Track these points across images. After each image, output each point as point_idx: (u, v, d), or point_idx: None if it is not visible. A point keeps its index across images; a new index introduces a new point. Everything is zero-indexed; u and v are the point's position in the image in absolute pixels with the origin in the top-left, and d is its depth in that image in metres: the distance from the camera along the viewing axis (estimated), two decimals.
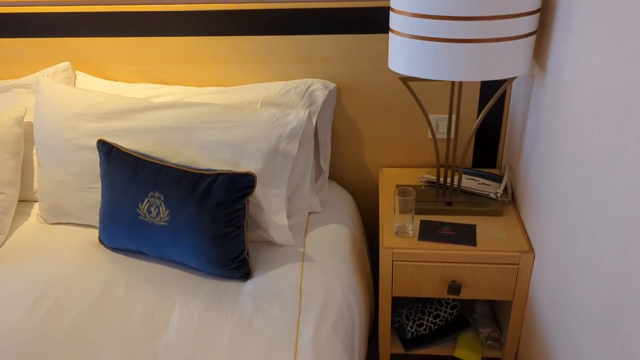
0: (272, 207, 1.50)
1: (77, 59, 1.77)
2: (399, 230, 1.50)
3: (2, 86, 1.72)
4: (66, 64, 1.75)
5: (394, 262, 1.47)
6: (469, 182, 1.67)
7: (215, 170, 1.40)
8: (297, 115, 1.51)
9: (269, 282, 1.40)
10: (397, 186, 1.54)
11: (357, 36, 1.69)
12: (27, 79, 1.72)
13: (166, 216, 1.37)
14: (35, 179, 1.70)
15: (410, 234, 1.50)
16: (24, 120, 1.64)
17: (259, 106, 1.63)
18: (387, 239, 1.49)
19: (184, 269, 1.44)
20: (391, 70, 1.38)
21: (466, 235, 1.49)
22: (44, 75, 1.68)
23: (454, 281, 1.48)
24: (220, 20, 1.69)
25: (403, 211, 1.47)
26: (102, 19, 1.71)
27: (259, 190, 1.44)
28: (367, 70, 1.74)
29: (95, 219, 1.57)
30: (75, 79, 1.77)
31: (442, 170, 1.65)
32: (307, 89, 1.68)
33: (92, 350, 1.20)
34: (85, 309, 1.30)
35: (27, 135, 1.66)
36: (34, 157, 1.69)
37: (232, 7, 1.66)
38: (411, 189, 1.48)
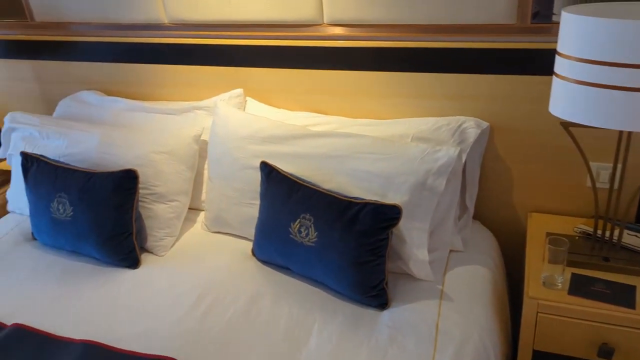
0: (414, 240, 1.52)
1: (249, 86, 1.98)
2: (546, 280, 1.43)
3: (186, 107, 1.97)
4: (239, 90, 1.96)
5: (539, 314, 1.40)
6: (631, 239, 1.53)
7: (363, 199, 1.46)
8: (448, 152, 1.53)
9: (406, 315, 1.41)
10: (548, 234, 1.48)
11: (515, 77, 1.66)
12: (206, 102, 1.96)
13: (314, 237, 1.47)
14: (203, 190, 1.91)
15: (559, 287, 1.42)
16: (200, 138, 1.86)
17: (409, 140, 1.68)
18: (532, 288, 1.43)
19: (325, 289, 1.52)
20: (549, 113, 1.34)
21: (623, 296, 1.37)
22: (220, 100, 1.90)
23: (605, 344, 1.36)
24: (380, 57, 1.77)
25: (553, 261, 1.40)
26: (272, 52, 1.89)
27: (402, 223, 1.47)
28: (523, 111, 1.70)
29: (250, 232, 1.72)
30: (245, 104, 1.97)
31: (600, 222, 1.54)
32: (459, 126, 1.69)
33: (240, 353, 1.32)
34: (236, 313, 1.44)
35: (201, 151, 1.88)
36: (205, 171, 1.91)
37: (393, 44, 1.74)
38: (564, 238, 1.40)
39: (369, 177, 1.55)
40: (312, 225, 1.47)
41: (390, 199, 1.50)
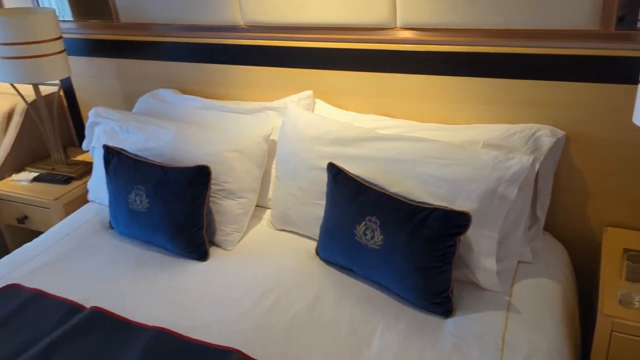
0: (482, 249, 1.50)
1: (318, 88, 2.00)
2: (623, 299, 1.36)
3: (257, 107, 2.02)
4: (309, 92, 1.99)
5: (613, 333, 1.34)
6: None
7: (431, 204, 1.45)
8: (521, 160, 1.49)
9: (471, 325, 1.39)
10: (626, 250, 1.41)
11: (595, 85, 1.60)
12: (276, 102, 2.00)
13: (380, 240, 1.47)
14: (270, 189, 1.96)
15: (637, 305, 1.35)
16: (270, 138, 1.90)
17: (480, 147, 1.64)
18: (607, 305, 1.37)
19: (389, 293, 1.52)
20: (632, 123, 1.28)
21: None
22: (290, 101, 1.93)
23: None
24: (453, 61, 1.75)
25: (631, 279, 1.33)
26: (342, 55, 1.91)
27: (471, 231, 1.44)
28: (603, 121, 1.63)
29: (314, 231, 1.75)
30: (314, 105, 1.99)
31: None
32: (533, 134, 1.64)
33: (303, 350, 1.34)
34: (300, 311, 1.46)
35: (270, 151, 1.92)
36: (272, 170, 1.95)
37: (466, 49, 1.72)
38: None
39: (438, 183, 1.53)
40: (378, 228, 1.48)
41: (459, 205, 1.48)
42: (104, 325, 1.44)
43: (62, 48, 2.15)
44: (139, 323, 1.45)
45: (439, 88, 1.81)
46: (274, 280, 1.59)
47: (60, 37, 2.14)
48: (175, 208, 1.71)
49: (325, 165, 1.68)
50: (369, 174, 1.62)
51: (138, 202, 1.75)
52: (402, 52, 1.81)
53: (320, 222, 1.70)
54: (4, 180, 2.36)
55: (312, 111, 1.98)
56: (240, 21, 2.03)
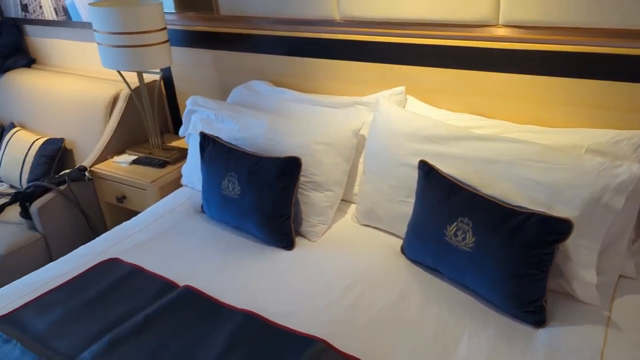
0: (581, 259, 1.42)
1: (410, 84, 1.98)
2: None
3: (348, 102, 2.03)
4: (401, 88, 1.97)
5: None
6: None
7: (528, 209, 1.39)
8: (630, 169, 1.39)
9: (566, 337, 1.32)
10: None
11: None
12: (368, 97, 2.00)
13: (471, 243, 1.43)
14: (356, 183, 1.96)
15: None
16: (359, 133, 1.90)
17: (584, 152, 1.56)
18: None
19: (477, 298, 1.48)
20: None
21: None
22: (382, 97, 1.92)
23: None
24: (553, 61, 1.67)
25: None
26: (437, 52, 1.87)
27: (570, 239, 1.37)
28: None
29: (400, 229, 1.73)
30: (406, 102, 1.97)
31: None
32: None
33: (387, 348, 1.33)
34: (385, 307, 1.46)
35: (358, 145, 1.93)
36: (360, 165, 1.95)
37: (573, 49, 1.63)
38: None
39: (535, 187, 1.47)
40: (470, 229, 1.44)
41: (558, 211, 1.41)
42: (196, 304, 1.51)
43: (166, 38, 2.27)
44: (228, 305, 1.50)
45: (540, 89, 1.73)
46: (358, 275, 1.59)
47: (164, 28, 2.25)
48: (266, 196, 1.75)
49: (415, 162, 1.66)
50: (461, 174, 1.58)
51: (230, 188, 1.81)
52: (502, 50, 1.75)
53: (407, 219, 1.68)
54: (106, 161, 2.53)
55: (404, 107, 1.96)
56: (336, 15, 2.04)
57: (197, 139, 2.11)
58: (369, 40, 2.00)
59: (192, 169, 2.19)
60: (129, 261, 1.74)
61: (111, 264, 1.73)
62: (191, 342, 1.37)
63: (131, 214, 2.34)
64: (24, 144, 2.68)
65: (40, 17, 3.06)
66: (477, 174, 1.57)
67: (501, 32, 1.74)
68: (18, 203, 2.33)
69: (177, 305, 1.51)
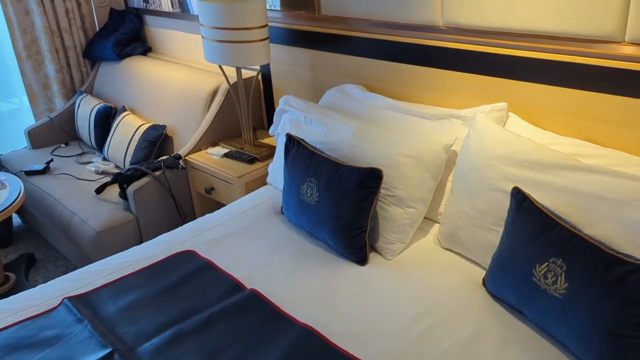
0: None
1: (513, 101, 1.81)
2: None
3: (442, 113, 1.90)
4: (503, 104, 1.80)
5: None
6: None
7: (637, 259, 1.19)
8: None
9: None
10: None
11: None
12: (465, 111, 1.85)
13: (563, 289, 1.26)
14: (442, 202, 1.83)
15: None
16: (451, 149, 1.77)
17: None
18: None
19: (563, 350, 1.30)
20: None
21: None
22: (480, 112, 1.77)
23: None
24: None
25: None
26: (543, 66, 1.69)
27: None
28: None
29: (484, 259, 1.59)
30: (507, 120, 1.81)
31: None
32: None
33: None
34: (456, 344, 1.33)
35: (448, 162, 1.80)
36: (448, 183, 1.82)
37: None
38: None
39: None
40: (563, 273, 1.27)
41: None
42: (259, 310, 1.49)
43: (267, 36, 2.28)
44: (290, 316, 1.46)
45: None
46: (433, 303, 1.48)
47: (266, 25, 2.26)
48: (343, 206, 1.68)
49: (509, 188, 1.50)
50: (560, 208, 1.40)
51: (309, 193, 1.77)
52: (626, 70, 1.53)
53: (492, 249, 1.54)
54: (200, 151, 2.60)
55: (503, 126, 1.79)
56: (440, 21, 1.92)
57: (284, 139, 2.10)
58: (473, 50, 1.86)
59: (277, 169, 2.18)
60: (204, 255, 1.76)
61: (187, 256, 1.77)
62: (248, 349, 1.35)
63: (218, 205, 2.39)
64: (130, 128, 2.84)
65: (158, 9, 3.23)
66: (579, 210, 1.38)
67: (627, 50, 1.52)
68: (118, 184, 2.48)
69: (240, 308, 1.49)
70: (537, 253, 1.33)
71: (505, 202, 1.52)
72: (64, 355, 1.35)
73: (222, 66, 2.44)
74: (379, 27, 2.11)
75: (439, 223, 1.83)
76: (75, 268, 2.72)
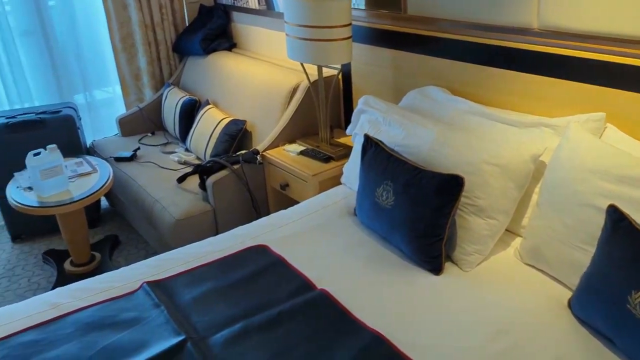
0: None
1: (612, 111, 1.67)
2: None
3: (531, 121, 1.80)
4: (600, 114, 1.67)
5: None
6: None
7: None
8: None
9: None
10: None
11: None
12: (557, 120, 1.74)
13: None
14: (526, 215, 1.73)
15: None
16: (539, 159, 1.67)
17: None
18: None
19: None
20: None
21: None
22: (575, 121, 1.66)
23: None
24: None
25: None
26: None
27: None
28: None
29: (570, 278, 1.49)
30: (603, 131, 1.68)
31: None
32: None
33: None
34: None
35: (535, 172, 1.69)
36: (534, 195, 1.72)
37: None
38: None
39: None
40: None
41: None
42: (328, 311, 1.47)
43: (350, 34, 2.26)
44: (359, 320, 1.43)
45: None
46: (512, 322, 1.40)
47: (350, 24, 2.24)
48: (419, 212, 1.63)
49: (603, 205, 1.39)
50: None
51: (384, 197, 1.73)
52: None
53: (579, 269, 1.43)
54: (277, 148, 2.63)
55: (600, 137, 1.67)
56: (535, 24, 1.81)
57: (362, 140, 2.08)
58: (570, 55, 1.74)
59: (352, 169, 2.16)
60: (276, 251, 1.77)
61: (260, 250, 1.79)
62: (316, 350, 1.34)
63: (291, 202, 2.41)
64: (212, 121, 2.93)
65: (245, 5, 3.31)
66: None
67: None
68: (198, 175, 2.56)
69: (310, 308, 1.49)
70: (634, 279, 1.22)
71: (598, 220, 1.40)
72: (140, 338, 1.40)
73: (304, 64, 2.45)
74: (467, 29, 2.03)
75: (521, 236, 1.73)
76: (154, 252, 2.85)
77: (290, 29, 2.30)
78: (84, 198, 2.41)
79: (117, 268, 1.77)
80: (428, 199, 1.62)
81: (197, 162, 2.94)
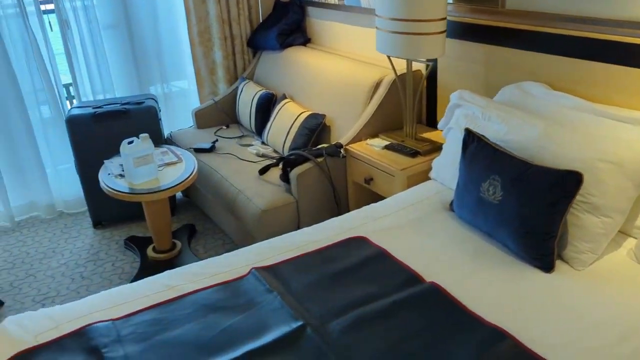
0: None
1: None
2: None
3: (628, 117, 1.74)
4: None
5: None
6: None
7: None
8: None
9: None
10: None
11: None
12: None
13: None
14: None
15: None
16: None
17: None
18: None
19: None
20: None
21: None
22: None
23: None
24: None
25: None
26: None
27: None
28: None
29: None
30: None
31: None
32: None
33: None
34: None
35: None
36: None
37: None
38: None
39: None
40: None
41: None
42: (442, 305, 1.46)
43: (444, 29, 2.23)
44: (475, 314, 1.41)
45: None
46: (634, 324, 1.35)
47: (444, 18, 2.21)
48: (531, 209, 1.60)
49: None
50: None
51: (491, 192, 1.70)
52: None
53: None
54: (360, 142, 2.63)
55: None
56: None
57: (457, 134, 2.05)
58: None
59: (444, 164, 2.14)
60: (376, 243, 1.77)
61: (360, 242, 1.79)
62: (434, 344, 1.33)
63: (374, 196, 2.40)
64: (290, 115, 2.95)
65: (321, 0, 3.32)
66: None
67: None
68: (281, 167, 2.58)
69: (423, 300, 1.48)
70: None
71: None
72: (258, 321, 1.42)
73: (391, 58, 2.44)
74: (569, 22, 1.97)
75: (635, 238, 1.67)
76: (232, 242, 2.90)
77: (381, 22, 2.29)
78: (173, 187, 2.47)
79: (196, 255, 1.79)
80: (541, 195, 1.58)
81: (275, 155, 2.97)
